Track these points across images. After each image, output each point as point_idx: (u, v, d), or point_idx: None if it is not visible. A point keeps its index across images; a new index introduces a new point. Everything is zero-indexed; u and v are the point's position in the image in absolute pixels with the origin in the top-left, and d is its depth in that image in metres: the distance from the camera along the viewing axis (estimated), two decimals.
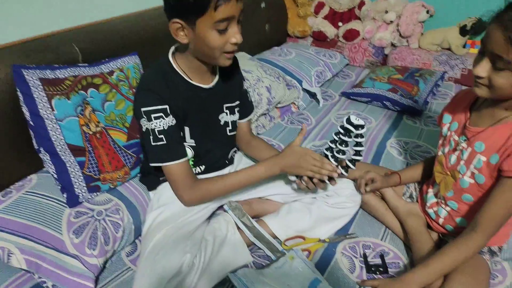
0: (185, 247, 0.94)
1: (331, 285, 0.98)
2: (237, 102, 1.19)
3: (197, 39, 0.93)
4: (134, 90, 1.25)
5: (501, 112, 0.92)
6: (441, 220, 1.08)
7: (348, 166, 1.07)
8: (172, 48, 1.05)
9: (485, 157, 0.93)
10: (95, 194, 1.10)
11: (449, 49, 2.22)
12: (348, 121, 1.00)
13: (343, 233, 1.18)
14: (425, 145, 1.59)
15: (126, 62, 1.30)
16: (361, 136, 1.00)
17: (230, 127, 1.19)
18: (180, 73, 1.03)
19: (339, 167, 1.06)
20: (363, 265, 1.07)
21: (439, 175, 1.07)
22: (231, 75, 1.14)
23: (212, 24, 0.89)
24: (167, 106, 0.99)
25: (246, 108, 1.25)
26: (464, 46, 2.18)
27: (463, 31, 2.12)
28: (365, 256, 1.09)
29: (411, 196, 1.23)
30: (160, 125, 0.99)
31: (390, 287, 0.89)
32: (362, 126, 0.99)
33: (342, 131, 1.01)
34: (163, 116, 0.99)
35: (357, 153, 1.04)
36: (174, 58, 1.04)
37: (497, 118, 0.92)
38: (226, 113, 1.16)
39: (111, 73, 1.24)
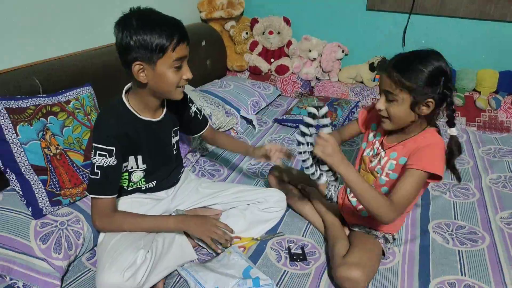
0: (139, 245, 1.12)
1: (261, 271, 1.21)
2: (179, 126, 1.40)
3: (156, 77, 1.09)
4: (89, 116, 1.43)
5: (405, 135, 1.21)
6: (359, 207, 1.34)
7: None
8: (125, 89, 1.20)
9: (395, 161, 1.21)
10: (57, 207, 1.26)
11: (362, 82, 2.64)
12: (309, 110, 1.06)
13: (272, 232, 1.43)
14: None
15: (81, 92, 1.48)
16: (325, 116, 1.05)
17: (175, 147, 1.41)
18: (132, 111, 1.19)
19: (323, 174, 1.13)
20: (287, 256, 1.32)
21: (363, 172, 1.35)
22: (176, 104, 1.32)
23: (170, 63, 1.08)
24: (114, 148, 1.12)
25: (201, 124, 1.48)
26: (373, 80, 2.62)
27: (371, 67, 2.56)
28: (289, 249, 1.34)
29: (330, 198, 1.51)
30: (100, 162, 1.12)
31: (337, 151, 1.05)
32: (321, 106, 1.05)
33: (307, 119, 1.07)
34: (107, 156, 1.12)
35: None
36: (127, 97, 1.20)
37: (404, 138, 1.21)
38: (173, 136, 1.38)
39: (67, 102, 1.42)
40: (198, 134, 1.50)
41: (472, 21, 2.32)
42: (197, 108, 1.46)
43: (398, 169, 1.22)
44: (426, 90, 1.07)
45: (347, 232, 1.39)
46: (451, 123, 1.14)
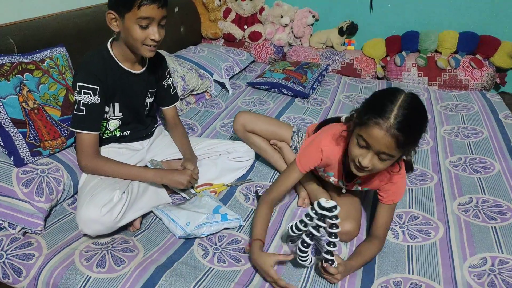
0: (116, 186, 1.21)
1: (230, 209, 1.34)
2: (155, 89, 1.50)
3: (125, 30, 1.20)
4: (63, 75, 1.50)
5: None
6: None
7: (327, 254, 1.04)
8: (111, 38, 1.31)
9: (360, 187, 1.26)
10: (37, 157, 1.34)
11: (332, 47, 2.74)
12: (319, 205, 0.98)
13: (242, 179, 1.55)
14: (309, 118, 2.04)
15: (55, 52, 1.53)
16: (336, 217, 0.98)
17: (148, 108, 1.49)
18: (114, 58, 1.30)
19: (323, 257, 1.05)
20: (255, 197, 1.44)
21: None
22: (156, 68, 1.44)
23: (135, 20, 1.17)
24: (97, 87, 1.23)
25: (170, 99, 1.55)
26: (343, 44, 2.72)
27: (341, 32, 2.66)
28: (256, 192, 1.47)
29: (296, 148, 1.61)
30: (85, 99, 1.22)
31: (346, 270, 1.07)
32: (335, 207, 0.97)
33: (315, 216, 1.00)
34: (91, 94, 1.23)
35: (332, 235, 1.01)
36: (111, 46, 1.30)
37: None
38: (148, 96, 1.47)
39: (42, 61, 1.47)
40: (162, 107, 1.56)
41: None
42: (172, 83, 1.55)
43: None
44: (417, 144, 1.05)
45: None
46: (411, 168, 1.20)
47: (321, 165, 1.25)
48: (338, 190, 1.35)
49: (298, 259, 1.07)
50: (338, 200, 1.32)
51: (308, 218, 1.01)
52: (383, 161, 1.02)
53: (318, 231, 1.01)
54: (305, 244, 1.02)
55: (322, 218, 0.99)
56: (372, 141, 0.99)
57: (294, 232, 1.05)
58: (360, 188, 1.27)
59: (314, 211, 0.99)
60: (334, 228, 0.99)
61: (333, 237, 1.01)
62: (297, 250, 1.04)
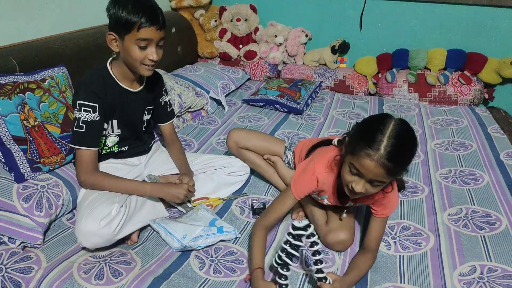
0: (114, 200, 1.25)
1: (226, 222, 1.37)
2: (152, 106, 1.54)
3: (124, 50, 1.25)
4: (64, 94, 1.55)
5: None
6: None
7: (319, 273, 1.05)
8: (110, 58, 1.36)
9: (354, 203, 1.29)
10: (37, 173, 1.37)
11: (325, 64, 2.82)
12: (293, 227, 0.99)
13: (238, 193, 1.59)
14: (302, 133, 2.09)
15: (56, 72, 1.59)
16: (313, 235, 1.00)
17: (145, 124, 1.54)
18: (114, 77, 1.34)
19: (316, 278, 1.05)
20: (250, 211, 1.47)
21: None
22: (154, 86, 1.49)
23: (134, 41, 1.22)
24: (97, 105, 1.27)
25: (166, 115, 1.59)
26: (335, 62, 2.80)
27: (333, 50, 2.74)
28: (252, 205, 1.50)
29: (289, 163, 1.65)
30: (85, 117, 1.26)
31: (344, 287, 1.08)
32: (308, 225, 0.99)
33: (291, 239, 1.00)
34: (91, 111, 1.27)
35: (316, 253, 1.02)
36: (111, 65, 1.35)
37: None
38: (145, 113, 1.52)
39: (43, 80, 1.52)
40: (159, 124, 1.60)
41: (423, 4, 2.53)
42: (168, 100, 1.60)
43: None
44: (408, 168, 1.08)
45: None
46: (403, 187, 1.25)
47: (316, 190, 1.28)
48: (335, 209, 1.36)
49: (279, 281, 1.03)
50: (333, 213, 1.35)
51: (288, 244, 1.01)
52: (375, 187, 1.06)
53: (297, 251, 1.01)
54: (285, 269, 1.01)
55: (299, 238, 0.99)
56: (364, 171, 1.02)
57: (278, 263, 1.06)
58: (353, 204, 1.30)
59: (290, 235, 1.00)
60: (315, 245, 1.01)
61: (317, 255, 1.02)
62: (279, 270, 1.02)
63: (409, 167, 1.07)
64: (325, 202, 1.31)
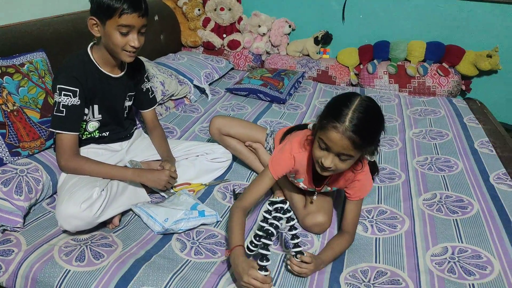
0: (95, 184, 1.25)
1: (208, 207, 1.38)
2: (134, 93, 1.54)
3: (105, 35, 1.25)
4: (43, 79, 1.53)
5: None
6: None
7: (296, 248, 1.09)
8: (91, 43, 1.35)
9: (329, 187, 1.33)
10: (16, 157, 1.36)
11: (308, 55, 2.85)
12: (271, 202, 1.03)
13: (220, 179, 1.60)
14: (285, 122, 2.12)
15: (35, 56, 1.56)
16: (289, 210, 1.03)
17: (127, 110, 1.54)
18: (94, 62, 1.34)
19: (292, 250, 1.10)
20: (232, 196, 1.49)
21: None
22: (135, 72, 1.48)
23: (116, 27, 1.22)
24: (77, 89, 1.27)
25: (148, 102, 1.59)
26: (318, 53, 2.83)
27: (316, 41, 2.77)
28: (233, 191, 1.52)
29: (270, 149, 1.68)
30: (65, 101, 1.26)
31: (316, 264, 1.12)
32: (284, 201, 1.02)
33: (269, 216, 1.04)
34: (71, 96, 1.27)
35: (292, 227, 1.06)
36: (92, 50, 1.35)
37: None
38: (127, 99, 1.51)
39: (22, 65, 1.50)
40: (141, 111, 1.60)
41: None
42: (150, 87, 1.60)
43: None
44: (376, 144, 1.12)
45: None
46: (376, 169, 1.29)
47: (293, 170, 1.30)
48: (311, 193, 1.39)
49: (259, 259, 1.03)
50: (310, 197, 1.38)
51: (264, 221, 1.04)
52: (344, 161, 1.09)
53: (278, 226, 1.02)
54: (267, 243, 1.02)
55: (276, 214, 1.02)
56: (330, 144, 1.06)
57: (256, 243, 1.06)
58: (329, 189, 1.34)
59: (267, 210, 1.04)
60: (291, 220, 1.05)
61: (293, 230, 1.06)
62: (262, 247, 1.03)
63: (379, 148, 1.10)
64: (301, 185, 1.34)
